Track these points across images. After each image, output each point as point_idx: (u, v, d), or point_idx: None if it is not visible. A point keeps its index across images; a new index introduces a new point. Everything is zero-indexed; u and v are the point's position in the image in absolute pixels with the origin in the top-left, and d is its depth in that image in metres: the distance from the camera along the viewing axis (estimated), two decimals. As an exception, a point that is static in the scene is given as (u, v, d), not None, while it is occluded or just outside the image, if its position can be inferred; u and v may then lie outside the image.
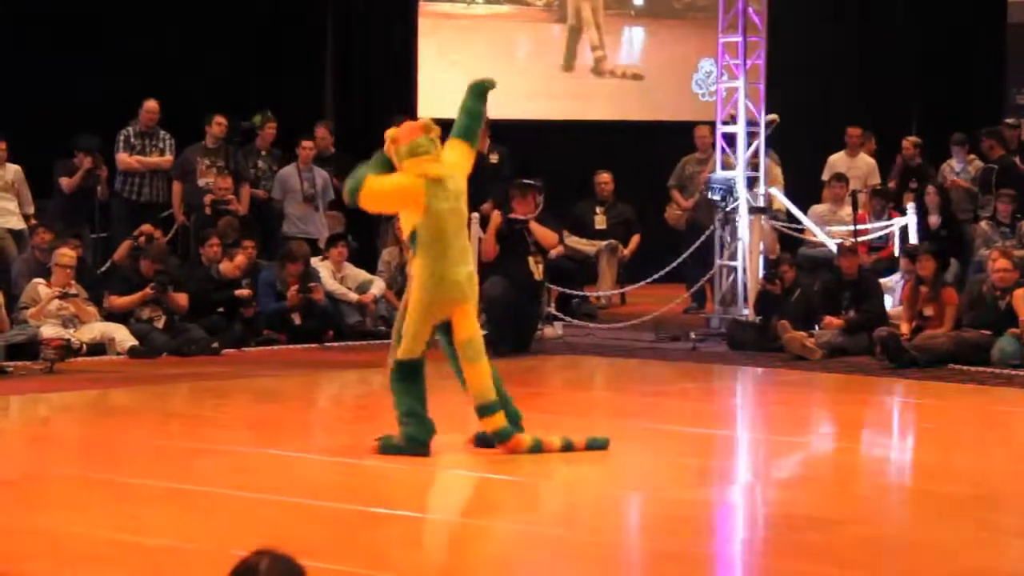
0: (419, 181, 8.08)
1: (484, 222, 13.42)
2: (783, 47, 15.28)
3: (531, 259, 12.78)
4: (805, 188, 15.60)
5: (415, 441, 8.04)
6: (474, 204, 14.91)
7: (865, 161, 15.76)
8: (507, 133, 16.63)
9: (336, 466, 7.97)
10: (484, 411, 8.06)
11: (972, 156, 15.48)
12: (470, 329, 8.13)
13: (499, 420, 8.05)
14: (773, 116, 14.07)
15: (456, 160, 8.36)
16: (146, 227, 13.65)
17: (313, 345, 13.06)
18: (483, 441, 8.22)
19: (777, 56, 14.45)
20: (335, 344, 13.17)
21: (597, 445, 8.17)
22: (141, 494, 7.22)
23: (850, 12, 18.51)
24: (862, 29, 18.34)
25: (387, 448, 8.07)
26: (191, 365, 11.91)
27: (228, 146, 14.59)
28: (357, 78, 17.56)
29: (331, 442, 8.86)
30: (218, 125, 14.38)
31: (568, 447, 8.12)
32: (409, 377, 8.13)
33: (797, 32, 17.23)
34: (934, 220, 14.75)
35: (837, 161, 15.68)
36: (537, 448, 8.07)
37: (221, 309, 13.03)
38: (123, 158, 14.26)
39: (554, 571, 6.05)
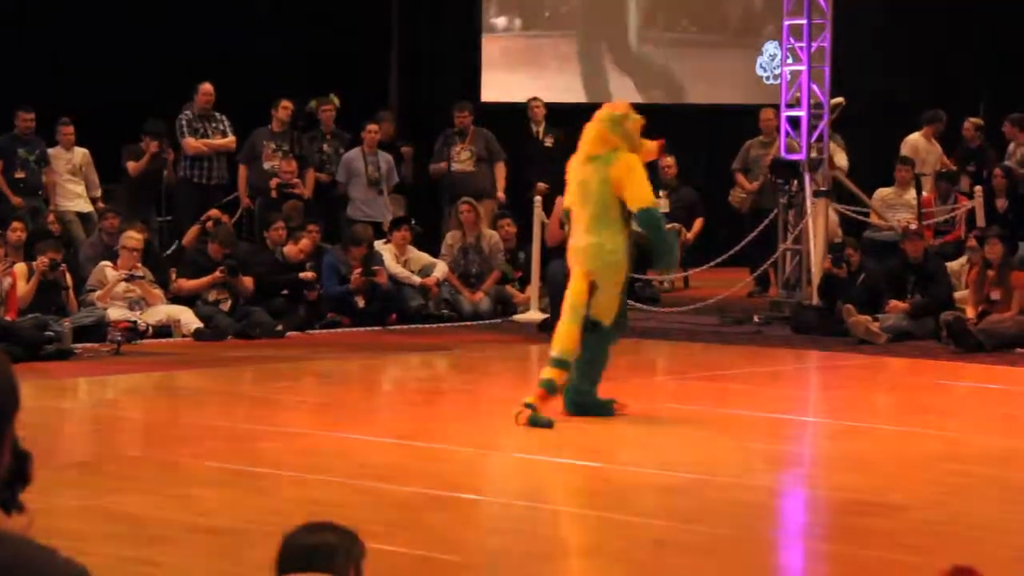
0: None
1: (546, 205, 13.42)
2: (849, 29, 15.15)
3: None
4: (872, 171, 15.48)
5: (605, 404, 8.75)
6: (528, 186, 15.04)
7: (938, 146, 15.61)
8: (567, 117, 16.63)
9: (399, 448, 8.00)
10: (559, 363, 8.56)
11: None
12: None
13: (557, 375, 8.51)
14: (839, 99, 13.96)
15: None
16: (214, 212, 13.74)
17: (376, 328, 13.11)
18: (579, 407, 8.67)
19: (843, 38, 14.34)
20: (398, 327, 13.22)
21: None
22: (205, 476, 7.29)
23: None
24: (929, 10, 18.15)
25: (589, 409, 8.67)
26: (255, 348, 11.99)
27: (293, 130, 14.65)
28: (422, 63, 17.61)
29: (394, 425, 8.90)
30: (284, 109, 14.45)
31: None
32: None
33: (863, 14, 17.08)
34: (1001, 203, 14.60)
35: (915, 144, 15.48)
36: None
37: (285, 292, 13.11)
38: (190, 142, 14.35)
39: (615, 555, 6.05)
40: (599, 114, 9.01)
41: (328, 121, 15.04)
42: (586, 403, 8.78)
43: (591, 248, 8.78)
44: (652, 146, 9.31)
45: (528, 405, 8.46)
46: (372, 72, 17.15)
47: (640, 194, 8.76)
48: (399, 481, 7.10)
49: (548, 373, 8.57)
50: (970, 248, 13.35)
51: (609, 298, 8.82)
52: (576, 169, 8.94)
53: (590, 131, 8.91)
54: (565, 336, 8.63)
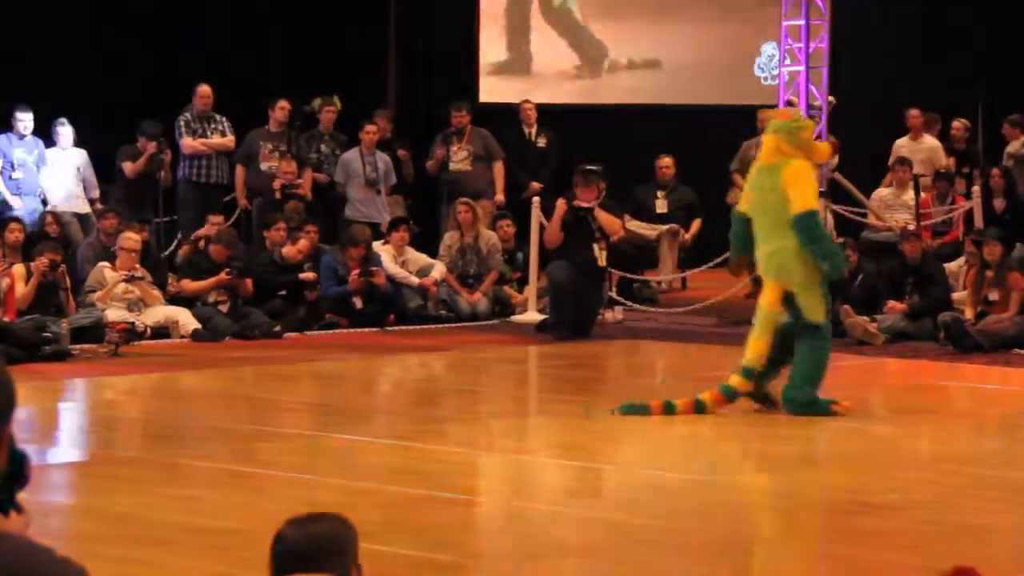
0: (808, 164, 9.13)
1: (545, 207, 13.44)
2: (846, 30, 15.17)
3: (595, 245, 12.79)
4: (867, 172, 15.49)
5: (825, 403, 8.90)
6: (522, 187, 15.06)
7: (929, 144, 15.62)
8: (566, 118, 16.65)
9: (397, 449, 8.00)
10: (746, 372, 8.89)
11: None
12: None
13: (742, 384, 8.88)
14: (830, 99, 13.98)
15: None
16: (209, 226, 13.60)
17: (374, 329, 13.11)
18: (801, 407, 8.85)
19: (840, 39, 14.35)
20: (396, 328, 13.21)
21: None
22: (203, 476, 7.29)
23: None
24: (926, 11, 18.16)
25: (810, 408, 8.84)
26: (254, 349, 11.99)
27: (291, 131, 14.66)
28: (419, 64, 17.62)
29: (392, 426, 8.90)
30: (281, 110, 14.46)
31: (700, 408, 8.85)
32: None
33: (861, 15, 17.09)
34: (999, 203, 14.61)
35: (901, 146, 15.56)
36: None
37: (283, 293, 13.11)
38: (188, 142, 14.35)
39: (612, 555, 6.06)
40: (773, 124, 9.27)
41: (328, 122, 15.04)
42: (810, 403, 8.91)
43: (771, 257, 9.05)
44: (825, 147, 9.69)
45: (698, 401, 8.84)
46: (370, 73, 17.15)
47: (800, 199, 8.95)
48: (397, 482, 7.10)
49: (733, 380, 8.89)
50: (968, 250, 13.36)
51: (810, 296, 8.99)
52: (753, 179, 9.28)
53: (767, 142, 9.17)
54: (754, 346, 8.92)
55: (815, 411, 8.85)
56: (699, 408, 8.85)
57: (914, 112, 15.64)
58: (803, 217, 8.91)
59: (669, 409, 8.84)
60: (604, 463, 7.76)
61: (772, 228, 9.02)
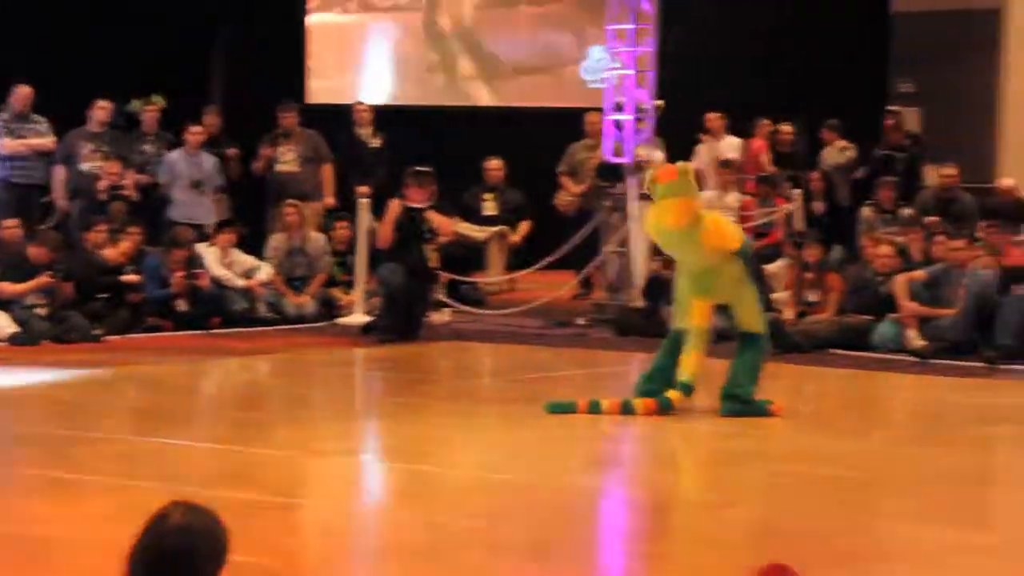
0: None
1: (376, 208, 13.41)
2: (673, 34, 15.35)
3: (426, 247, 12.80)
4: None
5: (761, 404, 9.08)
6: (354, 189, 15.00)
7: (729, 144, 15.90)
8: (396, 119, 16.61)
9: (220, 453, 7.91)
10: (683, 387, 9.02)
11: (845, 143, 15.67)
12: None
13: (679, 399, 8.99)
14: (659, 102, 14.17)
15: None
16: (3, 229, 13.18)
17: (199, 332, 12.94)
18: (738, 410, 9.03)
19: (667, 43, 14.53)
20: (221, 330, 13.05)
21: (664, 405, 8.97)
22: (20, 483, 7.12)
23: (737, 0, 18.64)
24: (750, 16, 18.47)
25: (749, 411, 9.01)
26: (73, 352, 11.73)
27: (113, 130, 14.40)
28: (246, 63, 17.45)
29: (215, 430, 8.79)
30: (101, 109, 14.20)
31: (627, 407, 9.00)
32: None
33: (687, 19, 17.32)
34: (818, 206, 14.93)
35: (702, 148, 15.81)
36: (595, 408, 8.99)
37: (105, 295, 12.87)
38: (6, 143, 14.03)
39: (436, 557, 6.05)
40: (663, 188, 9.25)
41: (151, 122, 14.81)
42: (748, 403, 9.08)
43: (703, 276, 9.23)
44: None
45: (626, 403, 8.96)
46: (194, 72, 16.93)
47: (732, 235, 9.34)
48: (221, 486, 7.01)
49: (672, 393, 8.98)
50: (788, 252, 13.63)
51: (747, 308, 9.30)
52: (671, 244, 9.49)
53: (669, 207, 9.23)
54: (689, 362, 9.05)
55: (753, 411, 9.02)
56: (626, 409, 8.96)
57: (712, 115, 15.94)
58: (748, 244, 9.53)
59: (595, 408, 8.99)
60: (430, 465, 7.76)
61: (701, 273, 9.26)
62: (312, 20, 17.77)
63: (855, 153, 15.48)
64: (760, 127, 16.21)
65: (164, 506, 2.99)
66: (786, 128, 16.15)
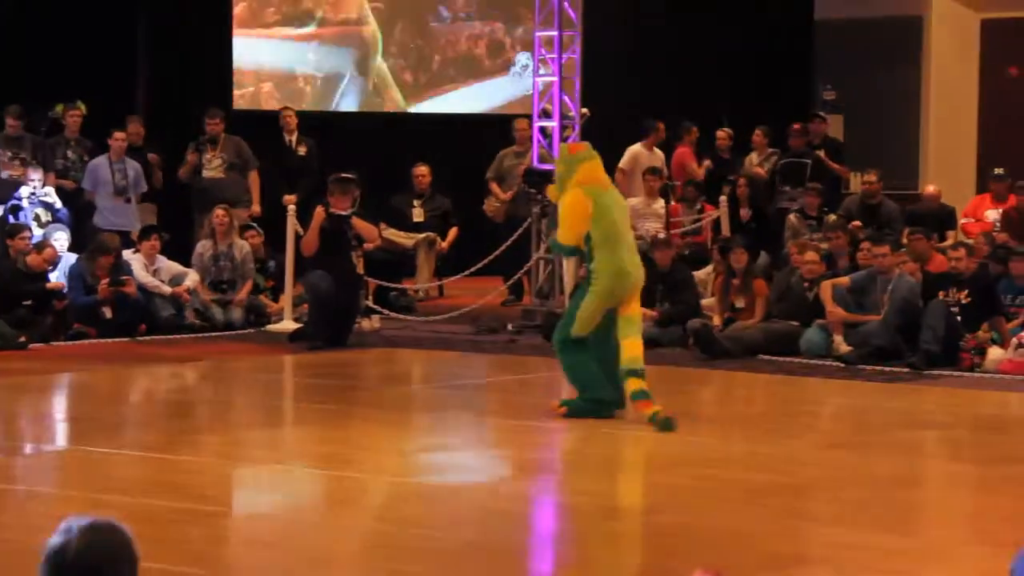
0: (580, 192, 9.16)
1: (301, 216, 13.37)
2: (598, 42, 15.42)
3: (352, 254, 12.78)
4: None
5: (601, 403, 9.13)
6: (281, 196, 14.95)
7: (657, 154, 16.02)
8: (321, 125, 16.57)
9: (147, 461, 7.85)
10: (634, 373, 9.01)
11: (771, 150, 15.82)
12: (638, 309, 9.27)
13: (641, 383, 8.98)
14: (584, 110, 14.23)
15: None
16: None
17: (125, 339, 12.84)
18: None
19: (593, 50, 14.60)
20: (148, 338, 12.96)
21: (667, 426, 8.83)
22: (-56, 493, 7.03)
23: (663, 7, 18.75)
24: (674, 24, 18.58)
25: (575, 412, 9.09)
26: (-2, 360, 11.62)
27: (34, 136, 14.26)
28: (170, 69, 17.33)
29: (142, 437, 8.73)
30: (12, 116, 14.09)
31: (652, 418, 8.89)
32: (581, 350, 9.19)
33: (613, 26, 17.40)
34: (744, 212, 15.04)
35: (640, 154, 15.88)
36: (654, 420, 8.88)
37: (29, 303, 12.74)
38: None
39: (368, 564, 6.04)
40: (588, 153, 9.44)
41: (74, 127, 14.69)
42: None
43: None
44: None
45: (654, 415, 8.89)
46: (118, 77, 16.79)
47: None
48: (148, 495, 6.96)
49: (631, 385, 8.99)
50: (715, 257, 13.71)
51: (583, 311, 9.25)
52: (605, 203, 9.36)
53: (597, 168, 9.38)
54: (633, 349, 9.07)
55: (593, 414, 9.12)
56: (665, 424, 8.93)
57: (727, 131, 16.12)
58: (555, 245, 9.74)
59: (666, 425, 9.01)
60: (359, 472, 7.74)
61: (632, 243, 9.45)
62: (238, 36, 17.69)
63: (779, 159, 15.63)
64: (688, 133, 16.32)
65: (61, 527, 2.93)
66: (722, 133, 16.29)
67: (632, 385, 9.04)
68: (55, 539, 2.86)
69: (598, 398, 9.20)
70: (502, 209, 15.64)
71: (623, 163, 15.71)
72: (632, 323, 9.18)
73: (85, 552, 2.81)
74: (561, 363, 9.38)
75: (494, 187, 15.75)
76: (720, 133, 16.38)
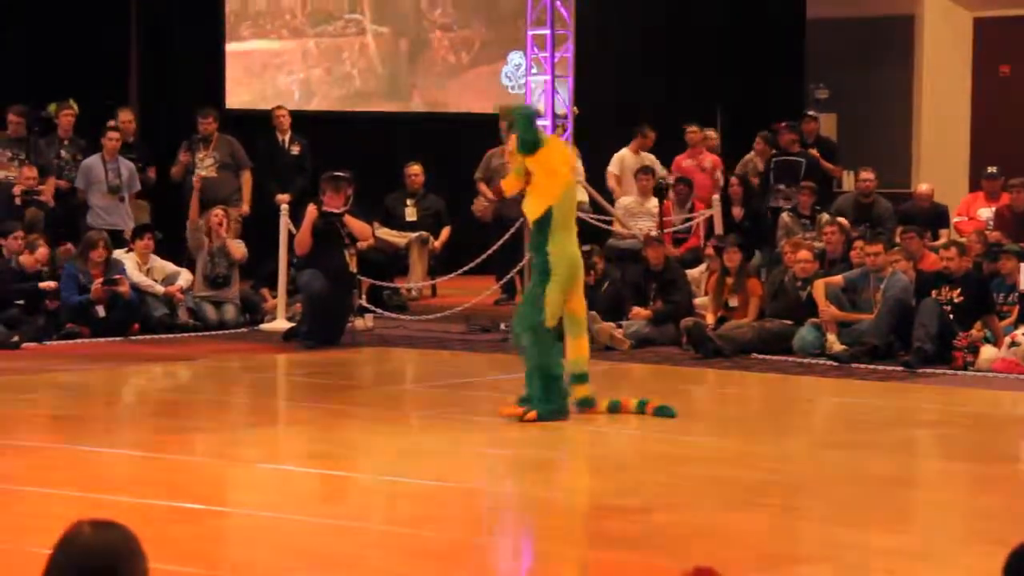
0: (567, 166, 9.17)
1: (294, 214, 13.35)
2: (591, 41, 15.43)
3: (346, 252, 12.77)
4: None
5: (563, 411, 9.04)
6: (274, 195, 14.94)
7: (647, 157, 16.04)
8: (316, 125, 16.55)
9: (141, 460, 7.84)
10: (580, 379, 9.10)
11: (769, 149, 15.83)
12: (582, 303, 9.28)
13: (587, 390, 9.10)
14: (575, 109, 14.23)
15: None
16: None
17: (118, 339, 12.82)
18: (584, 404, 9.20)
19: (585, 50, 14.60)
20: (141, 337, 12.95)
21: (666, 413, 9.07)
22: (-64, 493, 7.02)
23: (656, 6, 18.75)
24: (667, 23, 18.59)
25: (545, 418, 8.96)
26: (-10, 359, 11.60)
27: (30, 136, 14.25)
28: (165, 68, 17.31)
29: (135, 437, 8.72)
30: (15, 115, 14.06)
31: (641, 408, 9.14)
32: (550, 342, 9.10)
33: (605, 26, 17.41)
34: (737, 212, 15.04)
35: (626, 157, 15.90)
36: (615, 408, 9.17)
37: (21, 302, 12.73)
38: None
39: (355, 563, 6.04)
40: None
41: (67, 126, 14.68)
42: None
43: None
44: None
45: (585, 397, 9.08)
46: (112, 76, 16.77)
47: None
48: (141, 494, 6.95)
49: (577, 393, 9.10)
50: (708, 256, 13.72)
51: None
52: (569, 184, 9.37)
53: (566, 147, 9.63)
54: (579, 352, 9.16)
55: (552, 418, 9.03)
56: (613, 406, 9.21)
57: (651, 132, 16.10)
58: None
59: (614, 408, 9.21)
60: (353, 471, 7.74)
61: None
62: (231, 36, 17.68)
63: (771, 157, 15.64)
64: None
65: (71, 527, 2.93)
66: (712, 133, 16.32)
67: (578, 392, 9.14)
68: (68, 531, 2.84)
69: (560, 408, 9.11)
70: (490, 209, 15.62)
71: (612, 167, 15.76)
72: (578, 322, 9.20)
73: (98, 545, 2.79)
74: (528, 356, 9.14)
75: (482, 187, 15.72)
76: (710, 132, 16.37)
